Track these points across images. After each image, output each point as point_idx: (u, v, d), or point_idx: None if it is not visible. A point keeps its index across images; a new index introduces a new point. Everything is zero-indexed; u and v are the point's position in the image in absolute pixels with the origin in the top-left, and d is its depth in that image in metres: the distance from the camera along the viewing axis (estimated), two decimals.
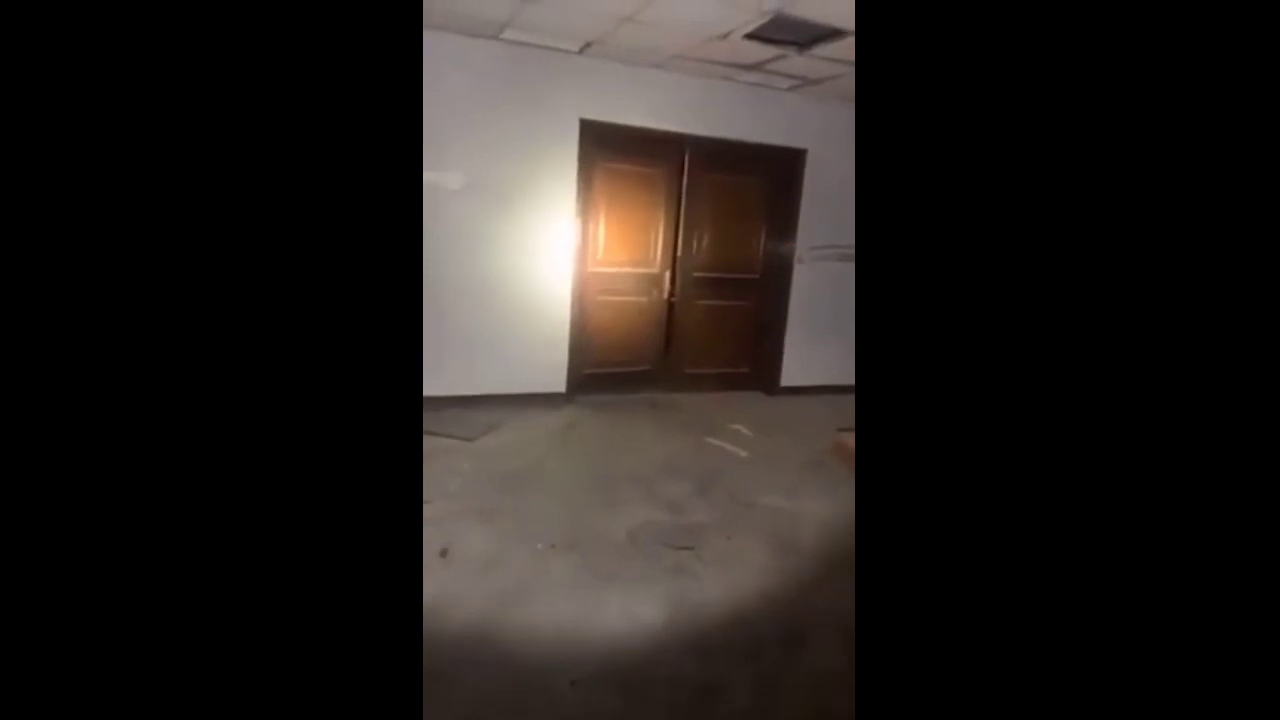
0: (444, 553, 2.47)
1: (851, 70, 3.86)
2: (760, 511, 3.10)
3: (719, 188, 4.73)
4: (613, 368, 4.73)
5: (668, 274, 4.75)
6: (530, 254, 4.23)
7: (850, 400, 4.99)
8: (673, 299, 4.80)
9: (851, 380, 5.26)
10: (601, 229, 4.48)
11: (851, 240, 5.03)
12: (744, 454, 3.83)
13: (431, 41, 3.68)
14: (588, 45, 3.81)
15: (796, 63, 3.81)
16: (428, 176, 3.82)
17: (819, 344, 5.15)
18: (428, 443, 3.53)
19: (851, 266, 5.09)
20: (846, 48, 3.45)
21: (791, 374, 5.13)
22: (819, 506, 3.19)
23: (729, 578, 2.50)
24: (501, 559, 2.49)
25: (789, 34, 3.32)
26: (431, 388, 3.99)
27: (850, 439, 3.91)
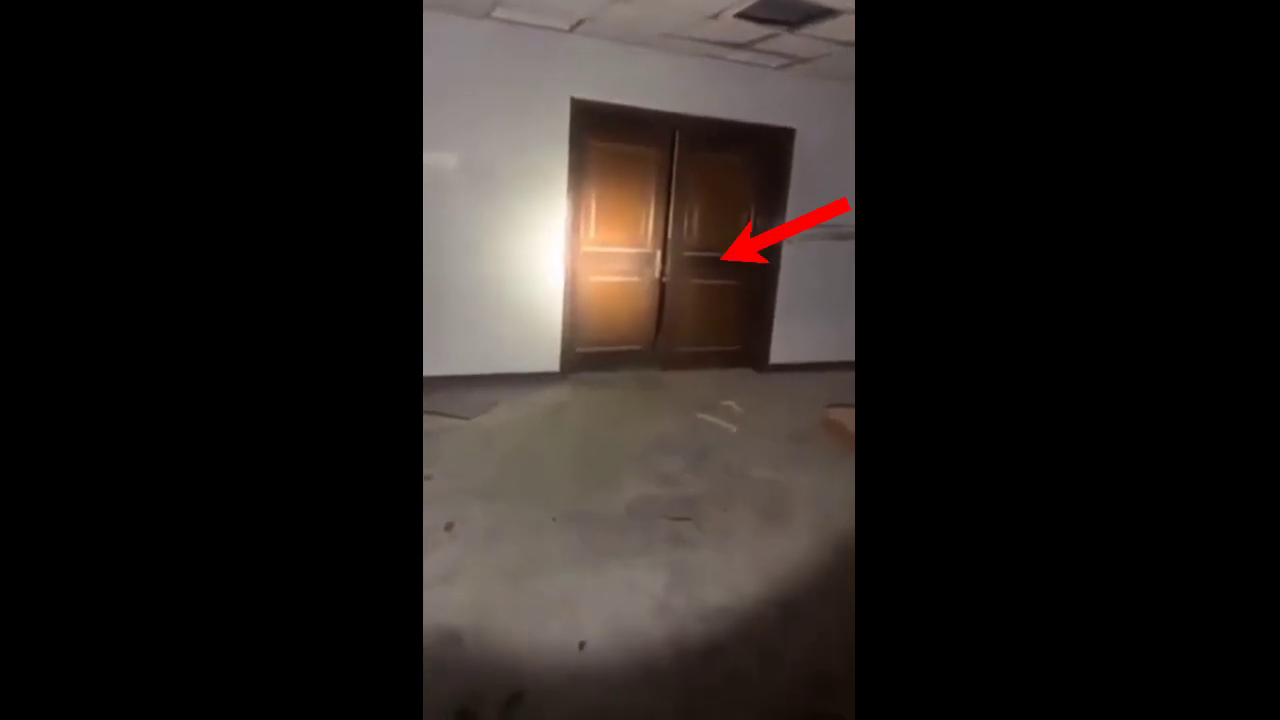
0: (449, 526, 2.54)
1: (840, 49, 3.90)
2: (753, 484, 3.19)
3: (709, 167, 4.76)
4: (606, 346, 4.78)
5: (659, 253, 4.79)
6: (523, 234, 4.25)
7: (836, 377, 5.10)
8: (664, 278, 4.84)
9: (836, 357, 5.37)
10: (593, 209, 4.51)
11: (841, 219, 5.09)
12: (735, 429, 3.92)
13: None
14: (579, 23, 3.80)
15: (787, 42, 3.84)
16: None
17: (806, 322, 5.24)
18: (425, 421, 3.58)
19: (837, 246, 5.16)
20: (836, 27, 3.49)
21: (780, 351, 5.22)
22: (809, 479, 3.28)
23: (726, 547, 2.59)
24: (505, 532, 2.56)
25: (780, 13, 3.35)
26: (427, 367, 4.02)
27: (838, 414, 4.01)
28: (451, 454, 3.23)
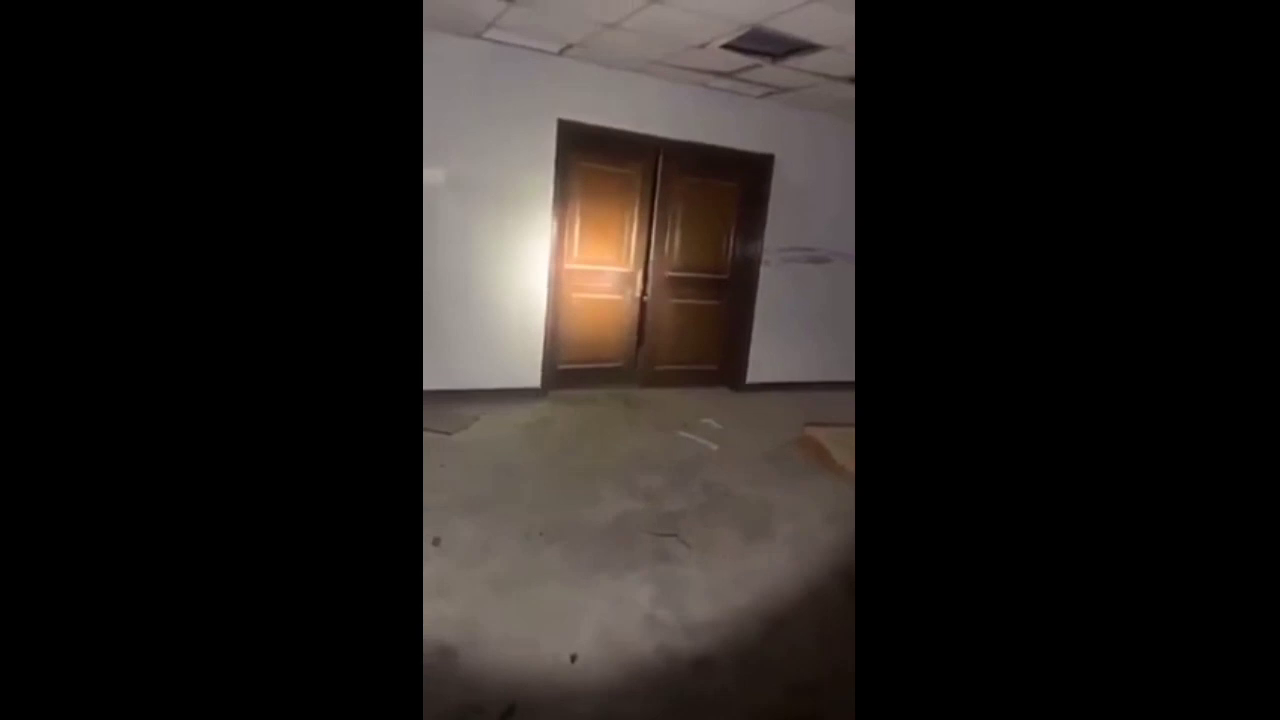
0: (437, 541, 2.54)
1: (821, 81, 4.05)
2: (735, 500, 3.25)
3: (691, 190, 4.87)
4: (587, 364, 4.82)
5: (640, 273, 4.87)
6: (507, 251, 4.29)
7: (811, 396, 5.22)
8: (645, 297, 4.92)
9: (811, 378, 5.50)
10: (577, 227, 4.57)
11: (818, 243, 5.25)
12: (715, 447, 3.98)
13: None
14: (568, 47, 3.89)
15: (769, 72, 3.97)
16: None
17: (782, 343, 5.36)
18: None
19: (813, 269, 5.31)
20: (818, 60, 3.63)
21: (756, 371, 5.32)
22: (790, 496, 3.35)
23: (709, 562, 2.64)
24: (492, 547, 2.56)
25: (764, 45, 3.47)
26: None
27: (817, 433, 4.10)
28: (434, 469, 3.22)
